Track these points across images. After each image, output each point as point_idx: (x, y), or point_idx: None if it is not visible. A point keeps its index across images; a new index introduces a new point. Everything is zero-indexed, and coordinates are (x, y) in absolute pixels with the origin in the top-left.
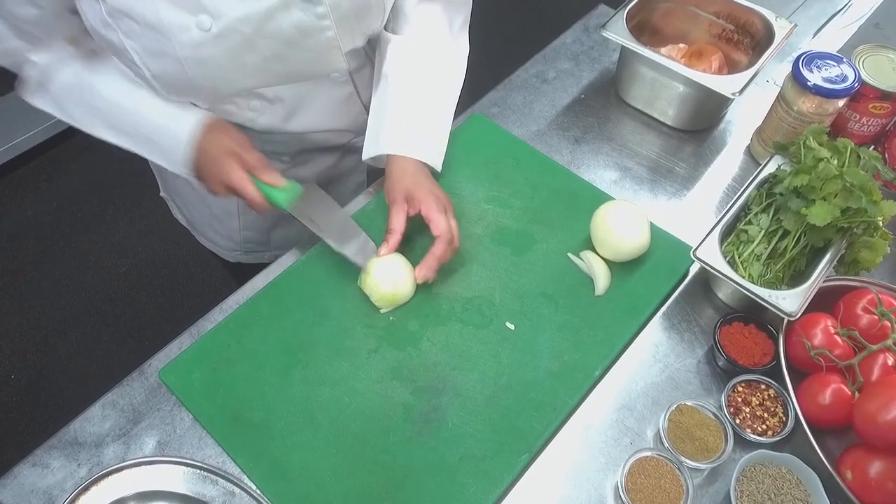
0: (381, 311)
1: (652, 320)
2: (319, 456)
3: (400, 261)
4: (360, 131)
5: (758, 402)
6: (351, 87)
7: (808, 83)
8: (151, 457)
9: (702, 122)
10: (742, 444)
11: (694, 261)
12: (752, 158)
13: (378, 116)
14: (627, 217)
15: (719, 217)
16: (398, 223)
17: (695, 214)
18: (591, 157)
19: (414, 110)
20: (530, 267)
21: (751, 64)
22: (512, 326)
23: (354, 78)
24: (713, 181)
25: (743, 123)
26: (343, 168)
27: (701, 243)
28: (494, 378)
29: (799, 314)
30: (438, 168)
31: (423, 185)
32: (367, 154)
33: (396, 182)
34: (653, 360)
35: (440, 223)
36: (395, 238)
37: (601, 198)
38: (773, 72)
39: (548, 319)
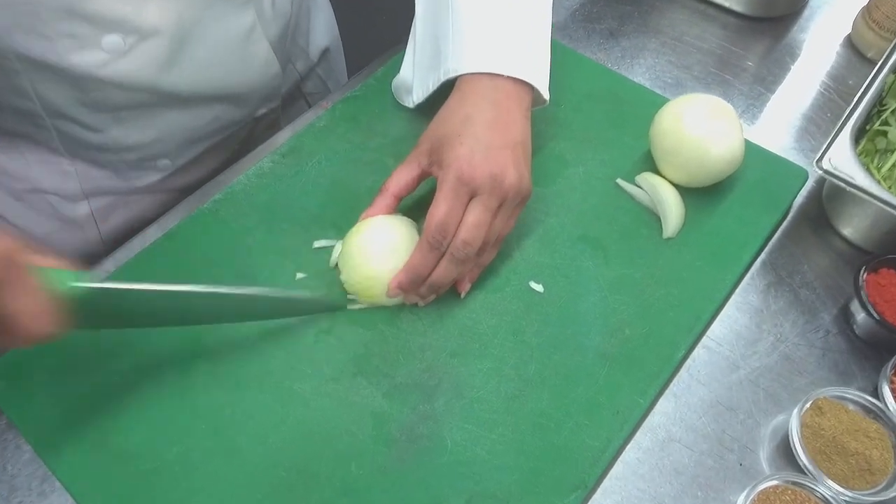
0: (351, 305)
1: (748, 273)
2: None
3: (407, 232)
4: (269, 98)
5: None
6: (253, 13)
7: None
8: None
9: (782, 4)
10: None
11: (804, 183)
12: (855, 50)
13: (434, 25)
14: (710, 117)
15: (847, 111)
16: (395, 181)
17: (786, 123)
18: (634, 56)
19: (497, 7)
20: (562, 201)
21: None
22: (539, 288)
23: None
24: (803, 80)
25: (835, 8)
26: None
27: (826, 151)
28: (517, 367)
29: None
30: (545, 93)
31: (465, 142)
32: (419, 95)
33: (438, 121)
34: (757, 330)
35: (436, 213)
36: (382, 201)
37: (657, 102)
38: None
39: (594, 276)
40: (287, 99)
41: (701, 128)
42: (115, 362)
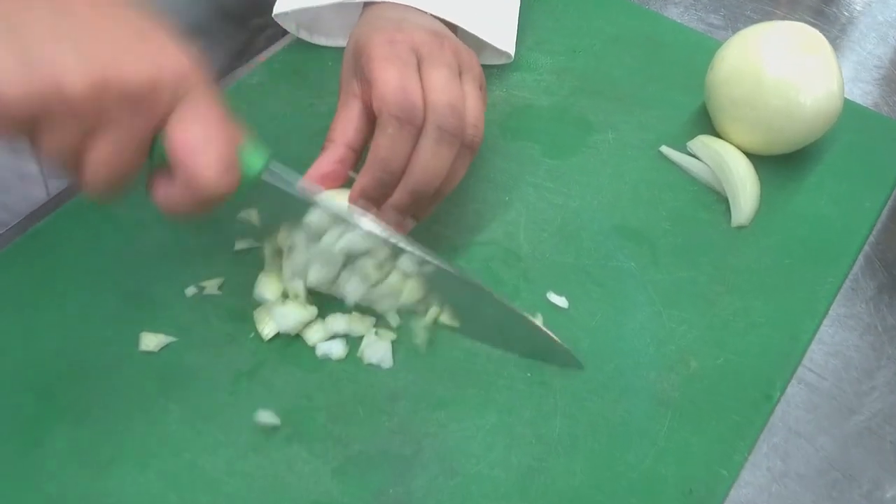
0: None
1: (850, 272)
2: None
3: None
4: (269, 6)
5: None
6: None
7: None
8: None
9: None
10: None
11: None
12: None
13: None
14: (799, 51)
15: None
16: (340, 127)
17: (870, 73)
18: None
19: None
20: (587, 179)
21: None
22: (562, 302)
23: None
24: (883, 19)
25: None
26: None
27: None
28: (535, 424)
29: None
30: (501, 45)
31: (383, 25)
32: (279, 8)
33: (352, 38)
34: (874, 355)
35: (386, 82)
36: (331, 153)
37: (709, 46)
38: None
39: (639, 282)
40: None
41: (788, 66)
42: None
